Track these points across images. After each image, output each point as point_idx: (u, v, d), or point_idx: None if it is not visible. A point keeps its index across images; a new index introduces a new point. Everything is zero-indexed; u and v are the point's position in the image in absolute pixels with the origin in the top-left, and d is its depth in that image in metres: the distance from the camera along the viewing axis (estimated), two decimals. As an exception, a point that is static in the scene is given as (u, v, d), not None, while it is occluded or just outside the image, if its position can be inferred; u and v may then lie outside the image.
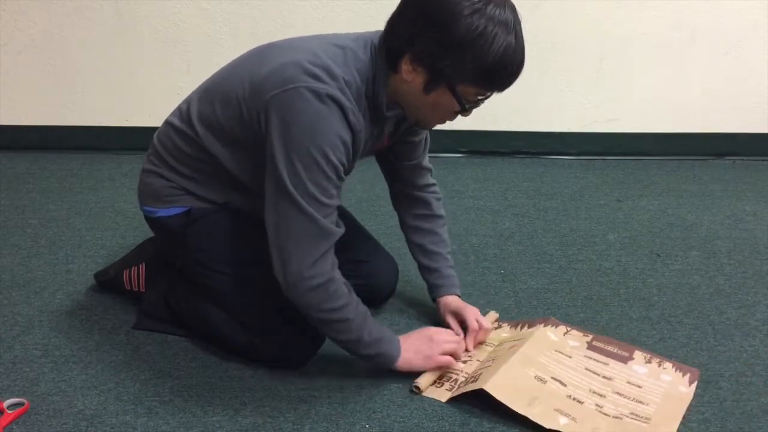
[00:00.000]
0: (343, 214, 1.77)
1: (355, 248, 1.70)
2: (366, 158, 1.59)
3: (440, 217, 1.74)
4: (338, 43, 1.38)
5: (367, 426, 1.40)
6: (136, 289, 1.73)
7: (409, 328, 1.70)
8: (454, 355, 1.52)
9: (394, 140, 1.62)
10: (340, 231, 1.40)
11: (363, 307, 1.45)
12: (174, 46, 2.65)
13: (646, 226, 2.27)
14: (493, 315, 1.73)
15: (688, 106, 2.79)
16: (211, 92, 1.47)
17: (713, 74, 2.73)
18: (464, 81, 1.32)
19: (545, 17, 2.62)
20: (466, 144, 2.81)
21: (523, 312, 1.79)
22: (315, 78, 1.31)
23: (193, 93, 1.53)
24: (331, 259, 1.39)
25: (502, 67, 1.30)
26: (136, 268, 1.74)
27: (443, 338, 1.53)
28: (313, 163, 1.31)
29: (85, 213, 2.26)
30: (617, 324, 1.75)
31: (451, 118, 1.46)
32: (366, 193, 2.43)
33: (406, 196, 1.73)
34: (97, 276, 1.82)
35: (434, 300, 1.71)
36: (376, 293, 1.74)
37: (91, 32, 2.61)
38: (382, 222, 2.23)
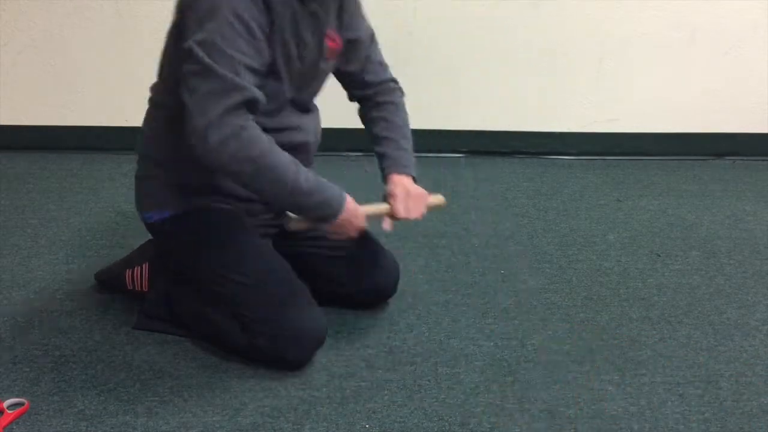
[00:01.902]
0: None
1: (356, 248, 1.71)
2: (327, 76, 1.63)
3: (392, 103, 1.70)
4: None
5: (367, 426, 1.40)
6: (139, 289, 1.73)
7: (409, 329, 1.70)
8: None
9: (343, 35, 1.60)
10: (254, 90, 1.34)
11: (291, 158, 1.42)
12: (174, 46, 2.64)
13: (646, 226, 2.27)
14: (436, 200, 1.69)
15: (688, 106, 2.79)
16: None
17: (713, 74, 2.73)
18: None
19: (545, 17, 2.62)
20: (466, 144, 2.81)
21: (523, 312, 1.79)
22: None
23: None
24: (244, 116, 1.34)
25: None
26: (138, 267, 1.74)
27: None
28: (222, 21, 1.31)
29: (85, 213, 2.26)
30: (617, 324, 1.75)
31: None
32: (366, 193, 2.43)
33: (367, 100, 1.71)
34: (97, 275, 1.82)
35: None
36: (378, 293, 1.74)
37: (91, 32, 2.61)
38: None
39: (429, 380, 1.53)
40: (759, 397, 1.50)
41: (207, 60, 1.31)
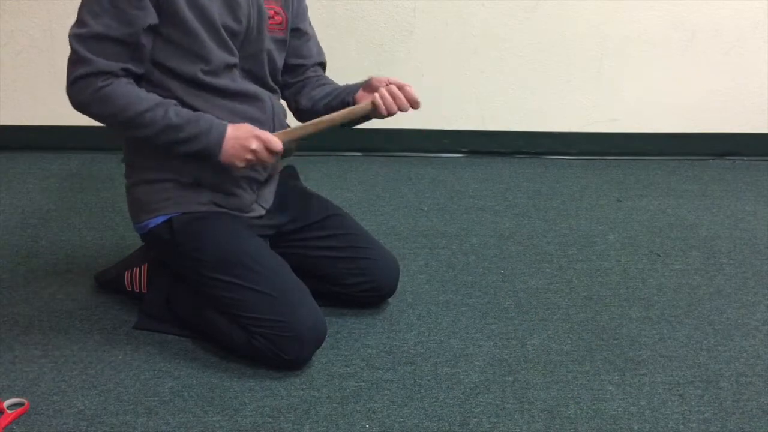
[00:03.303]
0: (343, 216, 1.78)
1: (356, 248, 1.71)
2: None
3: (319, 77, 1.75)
4: None
5: (367, 426, 1.40)
6: (138, 290, 1.73)
7: (409, 329, 1.70)
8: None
9: (288, 15, 1.63)
10: (102, 63, 1.43)
11: (161, 100, 1.47)
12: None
13: (646, 226, 2.27)
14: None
15: (688, 106, 2.79)
16: None
17: (713, 74, 2.73)
18: None
19: (545, 17, 2.62)
20: (466, 144, 2.81)
21: (523, 312, 1.79)
22: None
23: None
24: (99, 82, 1.44)
25: None
26: (138, 269, 1.74)
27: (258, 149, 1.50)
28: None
29: (85, 213, 2.26)
30: (617, 324, 1.75)
31: None
32: (366, 193, 2.43)
33: (299, 91, 1.74)
34: (97, 276, 1.82)
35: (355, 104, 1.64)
36: (378, 292, 1.74)
37: (91, 32, 2.61)
38: (382, 222, 2.23)
39: (429, 380, 1.53)
40: (759, 397, 1.50)
41: (71, 32, 1.45)
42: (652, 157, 2.83)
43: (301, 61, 1.73)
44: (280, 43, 1.64)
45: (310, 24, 1.75)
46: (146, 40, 1.46)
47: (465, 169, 2.70)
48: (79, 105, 1.49)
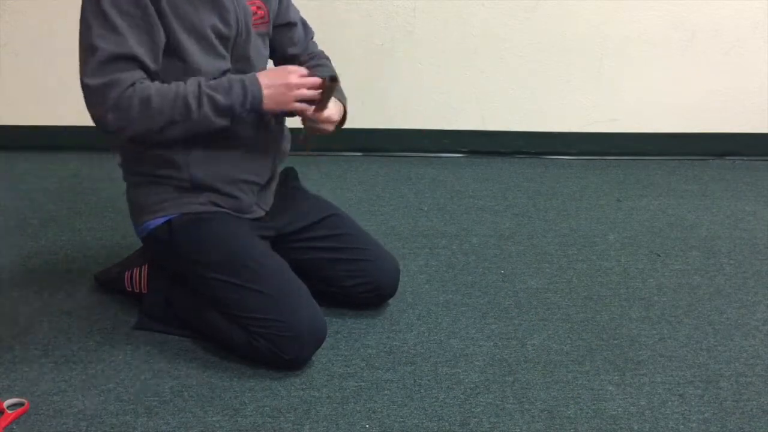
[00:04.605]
0: (343, 216, 1.78)
1: (356, 249, 1.71)
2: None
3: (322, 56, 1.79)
4: None
5: (367, 426, 1.40)
6: (138, 290, 1.73)
7: (409, 329, 1.70)
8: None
9: (273, 12, 1.64)
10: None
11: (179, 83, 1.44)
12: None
13: (646, 226, 2.27)
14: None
15: (688, 106, 2.79)
16: None
17: (713, 74, 2.73)
18: None
19: (545, 17, 2.62)
20: (467, 144, 2.81)
21: (523, 312, 1.79)
22: None
23: None
24: (120, 89, 1.39)
25: None
26: (138, 269, 1.74)
27: (299, 82, 1.49)
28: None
29: (85, 213, 2.26)
30: (617, 324, 1.75)
31: None
32: (366, 193, 2.43)
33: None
34: (97, 276, 1.82)
35: None
36: (378, 293, 1.74)
37: (91, 32, 2.61)
38: (382, 222, 2.23)
39: (429, 380, 1.53)
40: (759, 397, 1.50)
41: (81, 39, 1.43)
42: (652, 157, 2.83)
43: (296, 51, 1.74)
44: (264, 36, 1.65)
45: (292, 4, 1.75)
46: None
47: (465, 169, 2.70)
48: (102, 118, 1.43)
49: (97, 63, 1.38)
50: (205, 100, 1.43)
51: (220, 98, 1.44)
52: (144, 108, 1.40)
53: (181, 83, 1.44)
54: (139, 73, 1.42)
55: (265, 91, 1.47)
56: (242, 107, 1.46)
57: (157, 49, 1.44)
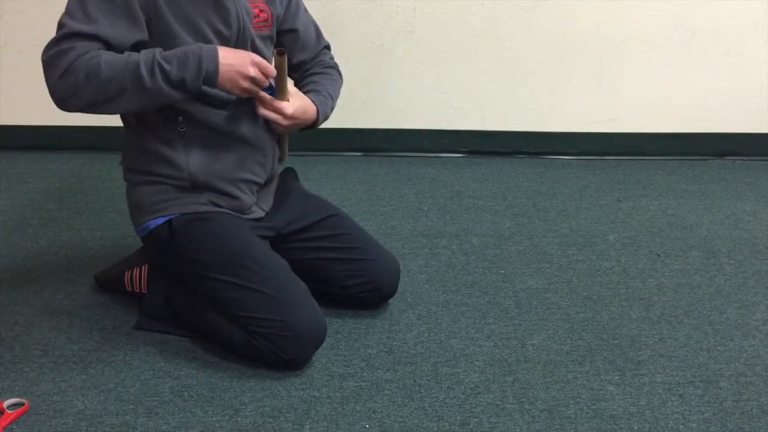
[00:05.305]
0: (343, 216, 1.78)
1: (356, 249, 1.71)
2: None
3: (331, 67, 1.77)
4: None
5: (367, 426, 1.40)
6: (138, 291, 1.73)
7: (409, 329, 1.70)
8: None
9: (277, 16, 1.64)
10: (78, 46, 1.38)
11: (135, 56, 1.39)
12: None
13: (646, 226, 2.27)
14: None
15: (688, 106, 2.79)
16: None
17: (713, 74, 2.73)
18: None
19: (545, 17, 2.62)
20: (466, 144, 2.81)
21: (523, 312, 1.79)
22: None
23: None
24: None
25: None
26: (138, 269, 1.74)
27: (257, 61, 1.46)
28: None
29: (85, 213, 2.26)
30: (617, 324, 1.75)
31: None
32: (366, 193, 2.43)
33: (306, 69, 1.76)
34: (97, 276, 1.82)
35: None
36: (378, 293, 1.74)
37: (91, 32, 2.61)
38: (382, 222, 2.23)
39: (429, 380, 1.53)
40: (759, 397, 1.50)
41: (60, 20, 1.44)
42: (652, 157, 2.83)
43: (304, 57, 1.73)
44: (267, 40, 1.64)
45: (305, 11, 1.74)
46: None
47: (465, 169, 2.70)
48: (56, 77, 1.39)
49: (56, 38, 1.39)
50: (157, 69, 1.38)
51: (172, 70, 1.39)
52: (93, 75, 1.35)
53: (134, 52, 1.40)
54: (95, 45, 1.38)
55: (222, 68, 1.42)
56: (195, 82, 1.41)
57: (129, 41, 1.41)
